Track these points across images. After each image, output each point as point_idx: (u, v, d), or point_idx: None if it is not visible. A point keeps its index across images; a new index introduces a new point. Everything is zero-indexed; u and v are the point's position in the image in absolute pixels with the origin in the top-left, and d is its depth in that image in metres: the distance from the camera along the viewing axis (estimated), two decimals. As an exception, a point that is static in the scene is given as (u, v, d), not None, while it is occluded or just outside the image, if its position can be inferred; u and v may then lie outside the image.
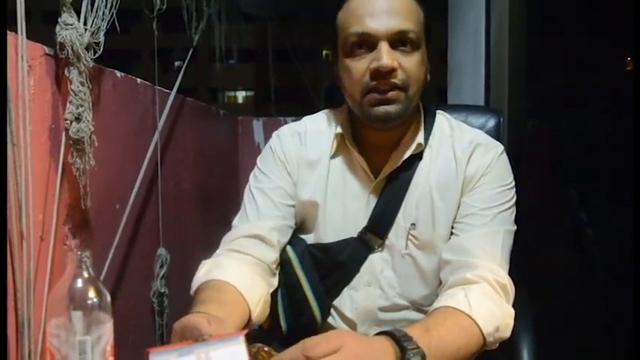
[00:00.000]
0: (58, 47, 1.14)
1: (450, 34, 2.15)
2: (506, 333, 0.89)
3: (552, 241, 2.34)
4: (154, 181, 1.73)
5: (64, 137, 1.18)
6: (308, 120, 1.11)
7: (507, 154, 1.04)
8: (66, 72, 1.15)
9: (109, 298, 0.70)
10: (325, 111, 1.11)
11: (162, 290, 1.73)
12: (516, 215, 1.00)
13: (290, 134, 1.08)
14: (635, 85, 1.45)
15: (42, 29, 1.17)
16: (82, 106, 1.17)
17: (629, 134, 1.43)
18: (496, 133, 1.23)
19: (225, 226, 1.06)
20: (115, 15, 1.25)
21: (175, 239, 1.87)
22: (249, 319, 0.91)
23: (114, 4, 1.24)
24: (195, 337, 0.66)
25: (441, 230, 0.99)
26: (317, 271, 1.04)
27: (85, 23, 1.18)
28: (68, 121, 1.16)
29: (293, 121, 1.14)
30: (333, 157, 1.05)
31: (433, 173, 1.01)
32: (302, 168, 1.05)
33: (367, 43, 0.93)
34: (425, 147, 1.02)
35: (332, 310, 1.04)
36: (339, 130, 1.04)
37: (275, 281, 1.03)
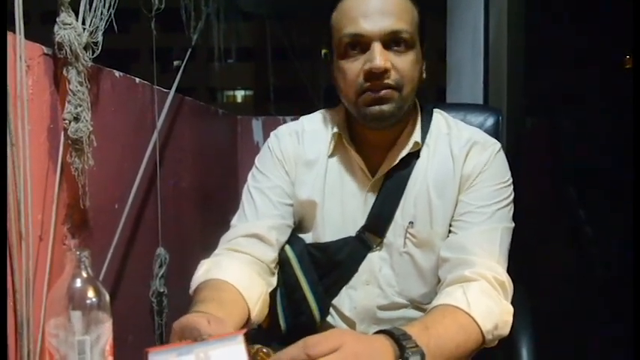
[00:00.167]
0: (56, 47, 1.14)
1: (449, 33, 2.15)
2: (505, 330, 0.89)
3: (551, 238, 2.34)
4: (152, 181, 1.73)
5: (62, 137, 1.18)
6: (305, 119, 1.11)
7: (506, 152, 1.04)
8: (64, 72, 1.16)
9: (107, 297, 0.70)
10: (322, 110, 1.11)
11: (162, 290, 1.73)
12: (515, 213, 1.01)
13: (288, 134, 1.08)
14: (634, 83, 1.45)
15: (40, 29, 1.17)
16: (80, 105, 1.17)
17: (629, 132, 1.43)
18: (495, 132, 1.23)
19: (225, 225, 1.06)
20: (113, 15, 1.25)
21: (174, 239, 1.87)
22: (249, 319, 0.91)
23: (112, 3, 1.24)
24: (195, 336, 0.66)
25: (439, 228, 0.99)
26: (316, 270, 1.04)
27: (83, 23, 1.18)
28: (67, 121, 1.16)
29: (292, 120, 1.14)
30: (330, 156, 1.05)
31: (430, 171, 1.01)
32: (300, 167, 1.05)
33: (361, 44, 0.93)
34: (422, 145, 1.02)
35: (331, 309, 1.04)
36: (336, 129, 1.04)
37: (274, 280, 1.03)
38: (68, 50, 1.13)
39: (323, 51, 1.02)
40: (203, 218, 2.18)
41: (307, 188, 1.04)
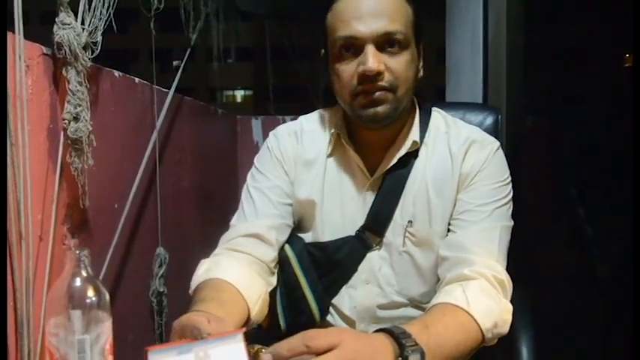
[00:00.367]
0: (55, 47, 1.14)
1: (448, 32, 2.15)
2: (505, 329, 0.89)
3: (550, 237, 2.34)
4: (152, 181, 1.73)
5: (62, 137, 1.18)
6: (304, 119, 1.11)
7: (505, 151, 1.04)
8: (64, 72, 1.16)
9: (107, 296, 0.70)
10: (321, 110, 1.11)
11: (161, 289, 1.73)
12: (514, 212, 1.01)
13: (287, 133, 1.08)
14: (634, 81, 1.45)
15: (40, 29, 1.17)
16: (79, 105, 1.17)
17: (629, 130, 1.43)
18: (494, 131, 1.23)
19: (224, 225, 1.06)
20: (112, 14, 1.25)
21: (174, 238, 1.87)
22: (248, 318, 0.91)
23: (111, 3, 1.25)
24: (195, 335, 0.66)
25: (438, 227, 0.99)
26: (315, 269, 1.04)
27: (82, 23, 1.18)
28: (66, 121, 1.16)
29: (292, 119, 1.14)
30: (329, 155, 1.05)
31: (429, 170, 1.01)
32: (299, 167, 1.05)
33: (354, 46, 0.93)
34: (421, 144, 1.02)
35: (331, 309, 1.04)
36: (335, 129, 1.04)
37: (274, 280, 1.03)
38: (67, 50, 1.14)
39: (322, 51, 1.02)
40: (203, 218, 2.18)
41: (306, 188, 1.04)
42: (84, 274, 0.69)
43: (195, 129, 2.17)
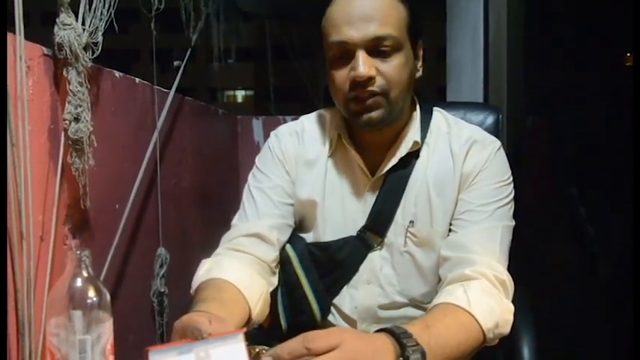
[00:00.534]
0: (56, 48, 1.14)
1: (449, 32, 2.15)
2: (506, 329, 0.89)
3: (552, 237, 2.34)
4: (153, 181, 1.73)
5: (63, 137, 1.18)
6: (305, 119, 1.11)
7: (506, 151, 1.04)
8: (64, 72, 1.16)
9: (108, 297, 0.71)
10: (322, 110, 1.11)
11: (162, 290, 1.73)
12: (515, 211, 1.01)
13: (288, 133, 1.08)
14: (634, 81, 1.45)
15: (40, 30, 1.17)
16: (80, 106, 1.17)
17: (629, 130, 1.43)
18: (495, 130, 1.23)
19: (225, 225, 1.06)
20: (113, 15, 1.25)
21: (175, 239, 1.87)
22: (250, 318, 0.91)
23: (112, 4, 1.24)
24: (196, 335, 0.66)
25: (439, 227, 0.99)
26: (316, 269, 1.04)
27: (83, 23, 1.18)
28: (67, 122, 1.16)
29: (292, 119, 1.14)
30: (330, 156, 1.05)
31: (430, 170, 1.01)
32: (300, 167, 1.05)
33: (346, 51, 0.93)
34: (422, 144, 1.02)
35: (332, 309, 1.04)
36: (336, 129, 1.04)
37: (275, 280, 1.03)
38: (68, 51, 1.13)
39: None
40: (204, 218, 2.18)
41: (308, 188, 1.04)
42: (85, 274, 0.69)
43: (196, 129, 2.17)
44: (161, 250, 1.75)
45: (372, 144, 1.02)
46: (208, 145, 2.34)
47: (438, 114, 1.07)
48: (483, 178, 0.99)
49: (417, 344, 0.74)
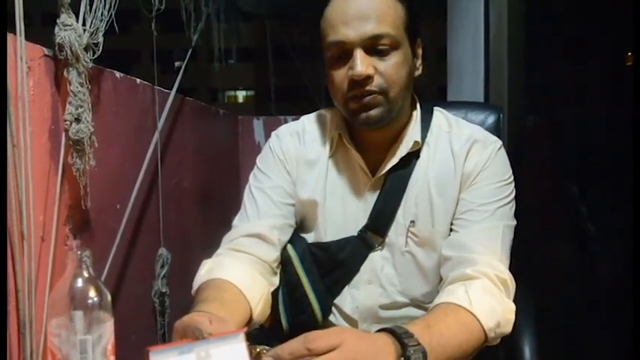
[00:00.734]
0: (57, 48, 1.14)
1: (449, 31, 2.14)
2: (508, 328, 0.89)
3: (553, 236, 2.34)
4: (154, 181, 1.73)
5: (63, 138, 1.18)
6: (306, 119, 1.11)
7: (507, 150, 1.04)
8: (65, 73, 1.16)
9: (109, 297, 0.71)
10: (323, 110, 1.11)
11: (164, 290, 1.73)
12: (517, 211, 1.00)
13: (289, 134, 1.08)
14: (635, 81, 1.45)
15: (41, 30, 1.17)
16: (81, 106, 1.17)
17: (630, 129, 1.43)
18: (496, 130, 1.23)
19: (226, 225, 1.06)
20: (113, 16, 1.25)
21: (176, 239, 1.87)
22: (251, 318, 0.91)
23: (112, 4, 1.25)
24: (197, 336, 0.66)
25: (440, 227, 0.99)
26: (318, 269, 1.04)
27: (83, 24, 1.18)
28: (68, 122, 1.16)
29: (293, 119, 1.14)
30: (331, 155, 1.05)
31: (431, 170, 1.01)
32: (301, 167, 1.05)
33: (344, 51, 0.93)
34: (422, 144, 1.02)
35: (333, 309, 1.04)
36: (336, 129, 1.04)
37: (276, 280, 1.03)
38: (69, 51, 1.14)
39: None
40: (205, 218, 2.18)
41: (308, 188, 1.04)
42: (86, 274, 0.69)
43: (197, 130, 2.17)
44: (162, 251, 1.75)
45: (373, 144, 1.02)
46: (209, 146, 2.34)
47: (439, 113, 1.07)
48: (484, 178, 0.99)
49: (419, 344, 0.74)
